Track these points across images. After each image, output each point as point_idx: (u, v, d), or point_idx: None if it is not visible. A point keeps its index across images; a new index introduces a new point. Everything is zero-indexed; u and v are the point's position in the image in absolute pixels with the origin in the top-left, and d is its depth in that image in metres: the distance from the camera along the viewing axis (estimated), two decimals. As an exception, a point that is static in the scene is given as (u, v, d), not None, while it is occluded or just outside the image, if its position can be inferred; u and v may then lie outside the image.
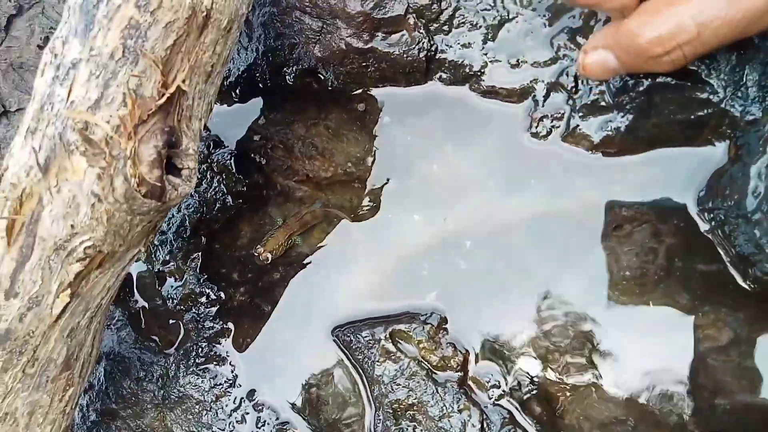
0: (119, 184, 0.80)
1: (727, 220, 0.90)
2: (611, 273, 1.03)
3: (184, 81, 0.85)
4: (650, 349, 1.00)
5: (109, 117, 0.79)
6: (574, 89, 0.99)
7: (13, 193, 0.86)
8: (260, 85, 1.19)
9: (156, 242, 1.23)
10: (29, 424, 0.99)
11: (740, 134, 0.89)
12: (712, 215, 0.94)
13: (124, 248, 0.92)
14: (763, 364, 0.94)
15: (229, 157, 1.22)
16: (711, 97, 0.89)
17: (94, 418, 1.23)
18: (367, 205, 1.18)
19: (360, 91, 1.14)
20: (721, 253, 0.94)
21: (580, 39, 0.98)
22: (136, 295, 1.26)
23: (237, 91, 1.21)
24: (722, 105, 0.89)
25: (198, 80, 0.89)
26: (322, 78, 1.13)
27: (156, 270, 1.24)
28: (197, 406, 1.19)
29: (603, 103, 0.98)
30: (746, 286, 0.93)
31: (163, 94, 0.83)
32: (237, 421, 1.17)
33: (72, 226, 0.84)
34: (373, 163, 1.17)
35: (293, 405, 1.15)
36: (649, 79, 0.92)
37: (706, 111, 0.91)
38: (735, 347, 0.96)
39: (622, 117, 0.97)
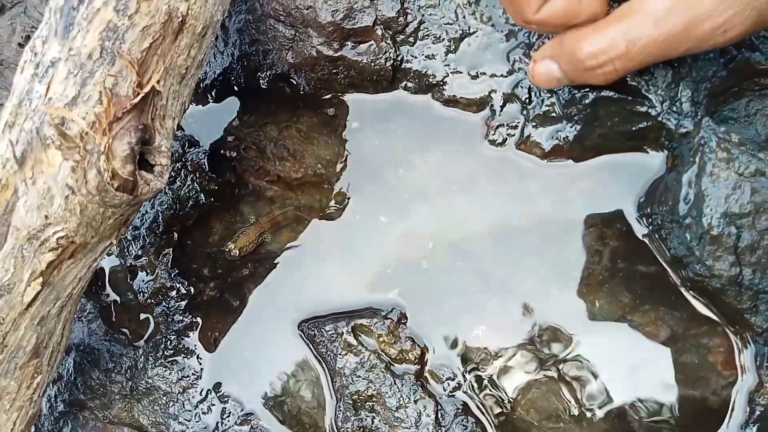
0: (92, 177, 0.84)
1: (663, 225, 0.97)
2: (561, 273, 1.10)
3: (158, 82, 0.90)
4: (596, 344, 1.06)
5: (86, 114, 0.84)
6: (528, 100, 1.06)
7: (-11, 184, 0.89)
8: (235, 87, 1.23)
9: (129, 237, 1.26)
10: (-3, 410, 1.02)
11: (676, 145, 0.97)
12: (650, 220, 1.01)
13: (96, 240, 0.96)
14: (697, 359, 1.01)
15: (203, 156, 1.26)
16: (650, 110, 0.97)
17: (61, 409, 1.25)
18: (336, 206, 1.22)
19: (330, 96, 1.19)
20: (658, 255, 1.01)
21: (533, 53, 1.04)
22: (108, 289, 1.28)
23: (212, 93, 1.25)
24: (659, 118, 0.97)
25: (172, 81, 0.94)
26: (295, 83, 1.19)
27: (128, 264, 1.26)
28: (164, 398, 1.21)
29: (554, 114, 1.05)
30: (681, 287, 1.00)
31: (138, 94, 0.87)
32: (203, 413, 1.20)
33: (46, 216, 0.88)
34: (342, 165, 1.22)
35: (258, 397, 1.18)
36: (594, 92, 0.99)
37: (645, 123, 0.98)
38: (672, 344, 1.03)
39: (571, 127, 1.04)
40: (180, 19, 0.89)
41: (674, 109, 0.95)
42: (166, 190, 1.25)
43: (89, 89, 0.84)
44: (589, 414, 1.05)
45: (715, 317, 0.99)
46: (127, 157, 0.88)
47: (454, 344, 1.12)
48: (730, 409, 0.98)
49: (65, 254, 0.94)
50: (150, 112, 0.91)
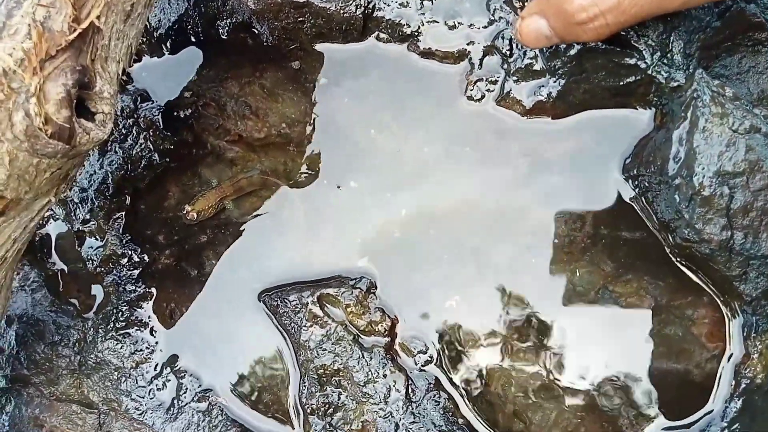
0: (19, 120, 0.75)
1: (651, 187, 0.92)
2: (541, 240, 1.04)
3: (98, 18, 0.81)
4: (575, 315, 1.02)
5: (12, 49, 0.74)
6: (509, 52, 0.99)
7: None
8: (192, 38, 1.15)
9: (76, 200, 1.17)
10: (-77, 385, 0.93)
11: (666, 101, 0.91)
12: (636, 182, 0.95)
13: (31, 196, 0.86)
14: (681, 331, 0.97)
15: (156, 112, 1.17)
16: (639, 63, 0.91)
17: (3, 385, 1.17)
18: (303, 171, 1.15)
19: (295, 47, 1.11)
20: (645, 220, 0.96)
21: (516, 2, 0.97)
22: (54, 256, 1.20)
23: (167, 43, 1.16)
24: (649, 71, 0.91)
25: (116, 19, 0.85)
26: (257, 33, 1.10)
27: (76, 229, 1.18)
28: (116, 373, 1.14)
29: (536, 68, 0.98)
30: (668, 254, 0.95)
31: (75, 30, 0.78)
32: (157, 389, 1.14)
33: (-31, 166, 0.78)
34: (308, 125, 1.15)
35: (217, 372, 1.12)
36: (580, 44, 0.92)
37: (634, 77, 0.92)
38: (655, 315, 0.98)
39: (554, 82, 0.97)
40: (123, -55, 0.80)
41: (665, 61, 0.89)
42: (117, 149, 1.16)
43: (16, 21, 0.74)
44: (565, 388, 1.01)
45: (702, 285, 0.95)
46: (62, 101, 0.78)
47: (426, 315, 1.06)
48: (715, 382, 0.94)
49: (-6, 211, 0.84)
50: (90, 53, 0.82)
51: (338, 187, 1.09)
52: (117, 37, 0.86)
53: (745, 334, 0.92)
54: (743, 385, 0.92)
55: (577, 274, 1.02)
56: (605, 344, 1.01)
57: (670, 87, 0.90)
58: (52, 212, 1.17)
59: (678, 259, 0.95)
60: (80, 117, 0.83)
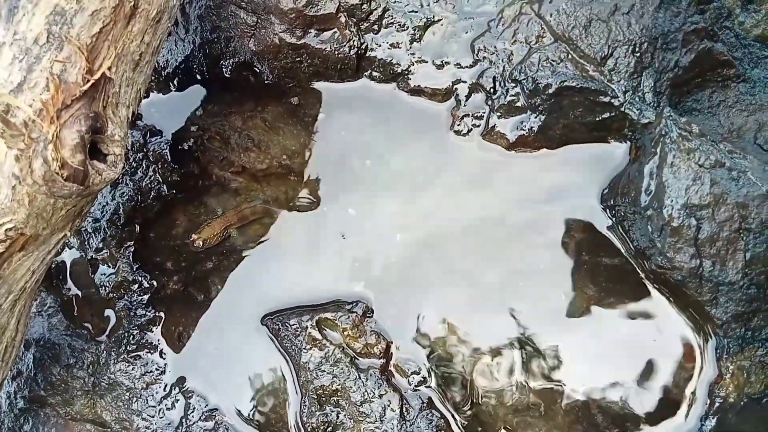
0: (38, 167, 0.81)
1: (626, 216, 0.97)
2: (528, 265, 1.09)
3: (110, 68, 0.87)
4: (561, 336, 1.06)
5: (32, 101, 0.81)
6: (492, 90, 1.05)
7: (-68, 174, 0.86)
8: (198, 76, 1.21)
9: (89, 230, 1.23)
10: (-51, 407, 0.99)
11: (638, 136, 0.96)
12: (614, 212, 1.00)
13: (48, 231, 0.93)
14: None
15: (165, 146, 1.23)
16: (612, 100, 0.96)
17: (21, 406, 1.22)
18: (303, 198, 1.20)
19: (294, 85, 1.17)
20: (622, 247, 1.01)
21: (498, 44, 1.03)
22: (69, 283, 1.25)
23: (174, 81, 1.23)
24: (622, 108, 0.96)
25: (125, 68, 0.91)
26: (258, 71, 1.16)
27: (89, 257, 1.24)
28: (127, 393, 1.19)
29: (518, 104, 1.04)
30: (644, 279, 0.99)
31: (88, 81, 0.84)
32: (167, 408, 1.18)
33: (-7, 207, 0.85)
34: (308, 156, 1.20)
35: (222, 392, 1.17)
36: (558, 82, 0.98)
37: (608, 114, 0.98)
38: (636, 337, 1.03)
39: (535, 117, 1.03)
40: (132, 3, 0.87)
41: (637, 98, 0.95)
42: (127, 181, 1.22)
43: (36, 75, 0.81)
44: (553, 406, 1.05)
45: (677, 310, 0.99)
46: (76, 146, 0.85)
47: (419, 337, 1.11)
48: (689, 401, 0.98)
49: (15, 246, 0.91)
50: (102, 100, 0.89)
51: (342, 236, 1.14)
52: (127, 84, 0.93)
53: (717, 355, 0.97)
54: (717, 404, 0.96)
55: (563, 297, 1.07)
56: (589, 364, 1.05)
57: (641, 123, 0.95)
58: (67, 241, 1.23)
59: (654, 284, 1.00)
60: (93, 159, 0.89)
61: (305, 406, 1.11)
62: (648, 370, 1.01)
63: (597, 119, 0.99)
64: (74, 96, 0.84)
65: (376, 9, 1.08)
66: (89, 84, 0.85)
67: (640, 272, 1.01)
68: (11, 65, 0.82)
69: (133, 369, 1.20)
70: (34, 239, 0.92)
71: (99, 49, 0.86)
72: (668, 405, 1.00)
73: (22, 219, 0.87)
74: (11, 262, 0.93)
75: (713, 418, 0.96)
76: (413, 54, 1.09)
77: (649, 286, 1.00)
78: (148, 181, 1.23)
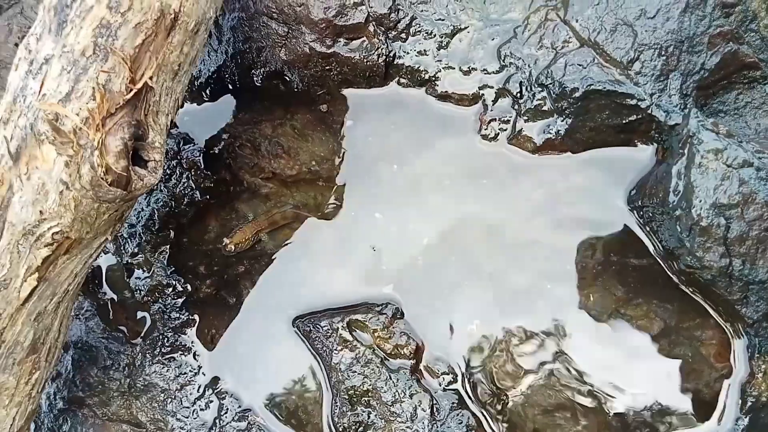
0: (86, 172, 0.85)
1: (654, 217, 0.98)
2: (555, 267, 1.10)
3: (151, 78, 0.91)
4: (591, 337, 1.07)
5: (79, 109, 0.85)
6: (519, 95, 1.07)
7: (-16, 181, 0.91)
8: (229, 85, 1.25)
9: (125, 235, 1.27)
10: (-5, 406, 1.03)
11: (665, 138, 0.98)
12: (641, 212, 1.01)
13: (92, 235, 0.96)
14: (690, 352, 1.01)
15: (198, 153, 1.27)
16: (639, 103, 0.97)
17: (61, 406, 1.25)
18: (332, 203, 1.23)
19: (324, 92, 1.20)
20: (650, 247, 1.01)
21: (524, 50, 1.05)
22: (105, 287, 1.29)
23: (207, 90, 1.27)
24: (649, 111, 0.97)
25: (165, 78, 0.95)
26: (288, 80, 1.20)
27: (125, 262, 1.27)
28: (162, 394, 1.21)
29: (545, 108, 1.05)
30: (673, 279, 1.00)
31: (131, 90, 0.88)
32: (201, 409, 1.20)
33: (41, 212, 0.89)
34: (336, 162, 1.23)
35: (255, 393, 1.19)
36: (585, 86, 1.00)
37: (635, 116, 0.99)
38: (665, 337, 1.03)
39: (562, 121, 1.05)
40: (172, 15, 0.90)
41: (663, 101, 0.96)
42: (162, 188, 1.26)
43: (82, 85, 0.85)
44: (581, 407, 1.06)
45: (706, 310, 1.00)
46: (120, 153, 0.89)
47: (448, 338, 1.13)
48: (722, 400, 0.98)
49: (60, 250, 0.94)
50: (143, 108, 0.92)
51: (373, 249, 1.16)
52: (166, 93, 0.97)
53: (749, 354, 0.97)
54: (749, 403, 0.96)
55: (591, 299, 1.08)
56: (619, 365, 1.06)
57: (668, 125, 0.97)
58: (106, 246, 1.26)
59: (683, 284, 1.00)
60: (134, 165, 0.93)
61: (336, 406, 1.13)
62: (679, 370, 1.02)
63: (624, 122, 1.01)
64: (118, 105, 0.87)
65: (403, 18, 1.11)
66: (132, 93, 0.88)
67: (668, 272, 1.01)
68: (60, 76, 0.86)
69: (167, 371, 1.22)
70: (78, 243, 0.96)
71: (141, 60, 0.89)
72: (700, 405, 1.00)
73: (68, 223, 0.91)
74: (56, 264, 0.97)
75: (746, 418, 0.96)
76: (440, 61, 1.12)
77: (679, 286, 1.01)
78: (182, 188, 1.27)
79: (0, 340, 0.98)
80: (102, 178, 0.87)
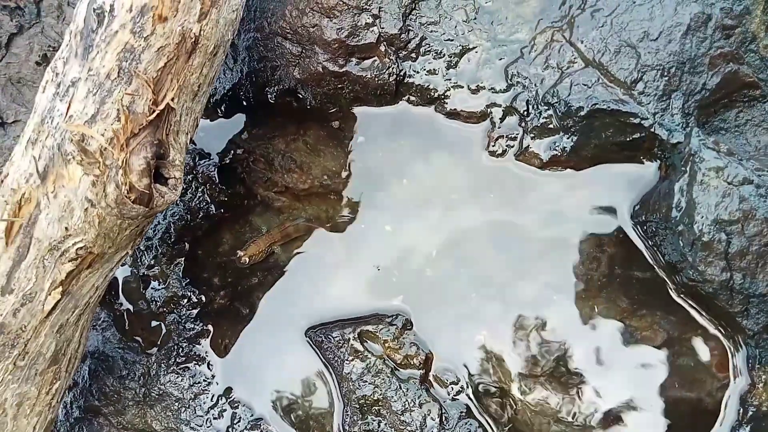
0: (111, 191, 0.89)
1: (657, 232, 1.01)
2: (561, 279, 1.13)
3: (173, 99, 0.94)
4: (596, 348, 1.10)
5: (104, 130, 0.88)
6: (526, 113, 1.10)
7: (12, 198, 0.94)
8: (244, 102, 1.28)
9: (142, 247, 1.30)
10: (17, 415, 1.05)
11: (668, 155, 1.01)
12: (645, 227, 1.05)
13: (113, 250, 1.00)
14: (693, 362, 1.04)
15: (213, 168, 1.30)
16: (642, 122, 1.01)
17: (77, 415, 1.28)
18: (343, 216, 1.26)
19: (336, 110, 1.23)
20: (653, 261, 1.05)
21: (531, 69, 1.09)
22: (121, 298, 1.31)
23: (222, 107, 1.30)
24: (652, 129, 1.01)
25: (186, 98, 0.99)
26: (301, 97, 1.23)
27: (141, 274, 1.30)
28: (176, 404, 1.24)
29: (551, 126, 1.09)
30: (676, 292, 1.03)
31: (154, 111, 0.92)
32: (214, 418, 1.23)
33: (66, 228, 0.92)
34: (347, 177, 1.26)
35: (267, 402, 1.22)
36: (589, 105, 1.03)
37: (639, 134, 1.03)
38: (668, 347, 1.06)
39: (568, 138, 1.08)
40: (193, 39, 0.94)
41: (666, 119, 0.99)
42: (178, 202, 1.29)
43: (108, 107, 0.89)
44: (589, 417, 1.08)
45: (708, 321, 1.03)
46: (143, 171, 0.92)
47: (457, 349, 1.15)
48: (723, 410, 1.01)
49: (84, 264, 0.98)
50: (165, 128, 0.96)
51: (377, 268, 1.19)
52: (186, 113, 1.00)
53: (749, 365, 1.00)
54: (750, 413, 0.99)
55: (596, 310, 1.11)
56: (624, 375, 1.08)
57: (671, 143, 1.00)
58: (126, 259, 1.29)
59: (685, 297, 1.03)
60: (156, 183, 0.97)
61: (348, 415, 1.16)
62: (682, 380, 1.05)
63: (628, 139, 1.04)
64: (141, 125, 0.91)
65: (413, 38, 1.14)
66: (154, 114, 0.92)
67: (671, 285, 1.05)
68: (86, 98, 0.89)
69: (182, 380, 1.25)
70: (100, 257, 1.00)
71: (163, 82, 0.93)
72: (702, 414, 1.03)
73: (91, 239, 0.94)
74: (79, 278, 1.00)
75: (746, 427, 0.99)
76: (449, 80, 1.15)
77: (681, 299, 1.04)
78: (197, 202, 1.30)
79: (24, 352, 1.01)
80: (126, 196, 0.90)
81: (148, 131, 0.92)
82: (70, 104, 0.89)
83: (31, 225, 0.94)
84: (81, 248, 0.95)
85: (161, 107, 0.93)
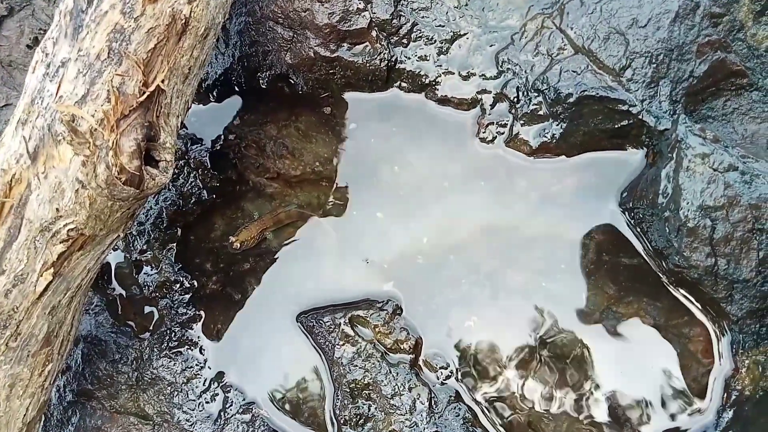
0: (101, 171, 0.89)
1: (644, 218, 1.02)
2: (550, 266, 1.14)
3: (163, 81, 0.95)
4: (583, 333, 1.11)
5: (94, 111, 0.89)
6: (516, 99, 1.11)
7: (2, 179, 0.94)
8: (236, 87, 1.28)
9: (134, 232, 1.30)
10: (9, 396, 1.06)
11: (655, 142, 1.02)
12: (632, 214, 1.05)
13: (104, 232, 1.00)
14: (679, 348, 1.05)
15: (205, 154, 1.30)
16: (630, 109, 1.02)
17: (70, 399, 1.28)
18: (334, 203, 1.26)
19: (327, 95, 1.24)
20: (640, 247, 1.06)
21: (521, 56, 1.09)
22: (114, 283, 1.32)
23: (214, 92, 1.30)
24: (639, 116, 1.01)
25: (176, 81, 0.99)
26: (293, 83, 1.23)
27: (133, 259, 1.31)
28: (169, 388, 1.24)
29: (541, 113, 1.09)
30: (662, 278, 1.04)
31: (144, 92, 0.92)
32: (206, 402, 1.23)
33: (57, 209, 0.93)
34: (339, 163, 1.26)
35: (259, 386, 1.22)
36: (578, 92, 1.04)
37: (626, 121, 1.03)
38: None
39: (557, 125, 1.09)
40: (183, 21, 0.94)
41: (653, 107, 1.00)
42: (170, 187, 1.29)
43: (98, 88, 0.89)
44: (576, 400, 1.10)
45: (694, 307, 1.04)
46: (133, 153, 0.92)
47: (446, 334, 1.16)
48: (708, 394, 1.02)
49: (75, 246, 0.98)
50: (155, 110, 0.96)
51: (366, 261, 1.20)
52: (177, 96, 1.00)
53: (733, 350, 1.01)
54: (734, 397, 1.00)
55: (584, 296, 1.12)
56: (610, 360, 1.09)
57: (658, 130, 1.01)
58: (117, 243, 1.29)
59: (671, 283, 1.04)
60: (146, 165, 0.97)
61: (338, 399, 1.17)
62: (667, 366, 1.06)
63: (616, 126, 1.05)
64: (131, 107, 0.91)
65: (405, 24, 1.15)
66: (145, 95, 0.92)
67: (657, 271, 1.05)
68: (76, 79, 0.90)
69: (174, 364, 1.25)
70: (92, 239, 1.00)
71: (154, 64, 0.93)
72: (687, 399, 1.04)
73: (82, 220, 0.95)
74: (71, 260, 1.00)
75: (730, 411, 1.00)
76: (440, 66, 1.15)
77: (667, 285, 1.05)
78: (189, 187, 1.30)
79: (16, 333, 1.02)
80: (116, 177, 0.91)
81: (139, 113, 0.93)
82: (60, 85, 0.90)
83: (22, 206, 0.94)
84: (72, 229, 0.95)
85: (151, 89, 0.93)
